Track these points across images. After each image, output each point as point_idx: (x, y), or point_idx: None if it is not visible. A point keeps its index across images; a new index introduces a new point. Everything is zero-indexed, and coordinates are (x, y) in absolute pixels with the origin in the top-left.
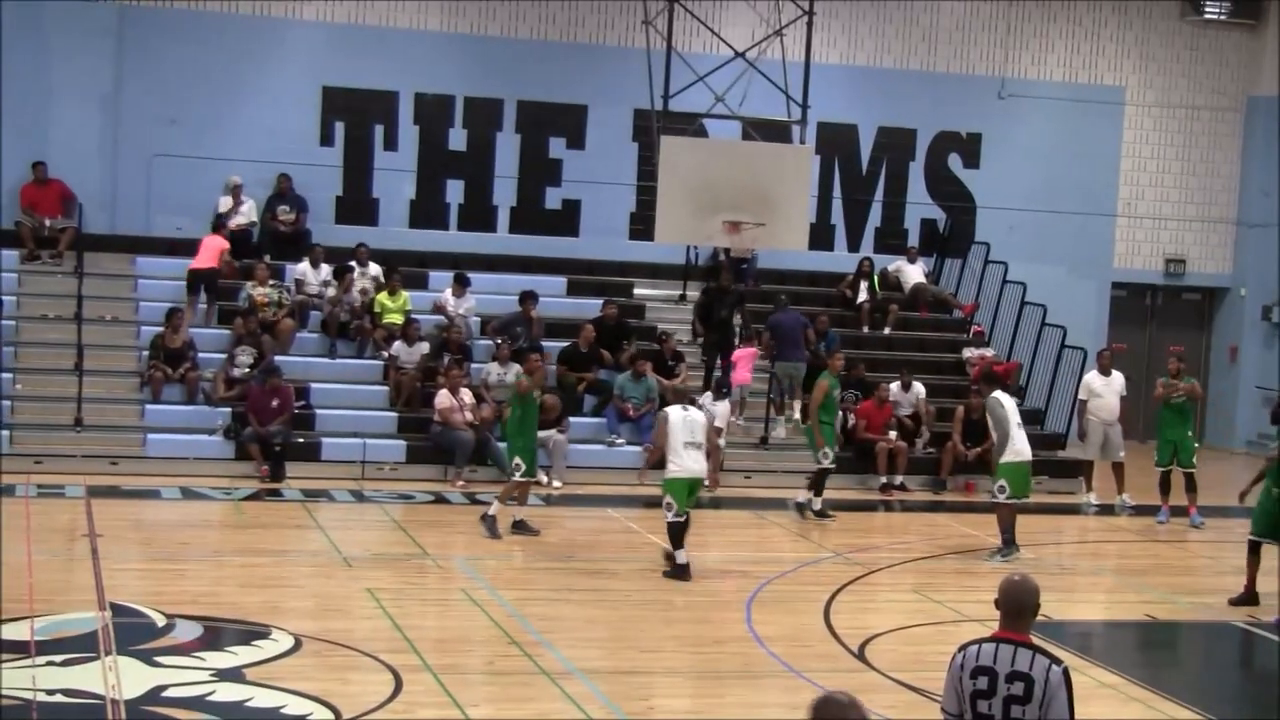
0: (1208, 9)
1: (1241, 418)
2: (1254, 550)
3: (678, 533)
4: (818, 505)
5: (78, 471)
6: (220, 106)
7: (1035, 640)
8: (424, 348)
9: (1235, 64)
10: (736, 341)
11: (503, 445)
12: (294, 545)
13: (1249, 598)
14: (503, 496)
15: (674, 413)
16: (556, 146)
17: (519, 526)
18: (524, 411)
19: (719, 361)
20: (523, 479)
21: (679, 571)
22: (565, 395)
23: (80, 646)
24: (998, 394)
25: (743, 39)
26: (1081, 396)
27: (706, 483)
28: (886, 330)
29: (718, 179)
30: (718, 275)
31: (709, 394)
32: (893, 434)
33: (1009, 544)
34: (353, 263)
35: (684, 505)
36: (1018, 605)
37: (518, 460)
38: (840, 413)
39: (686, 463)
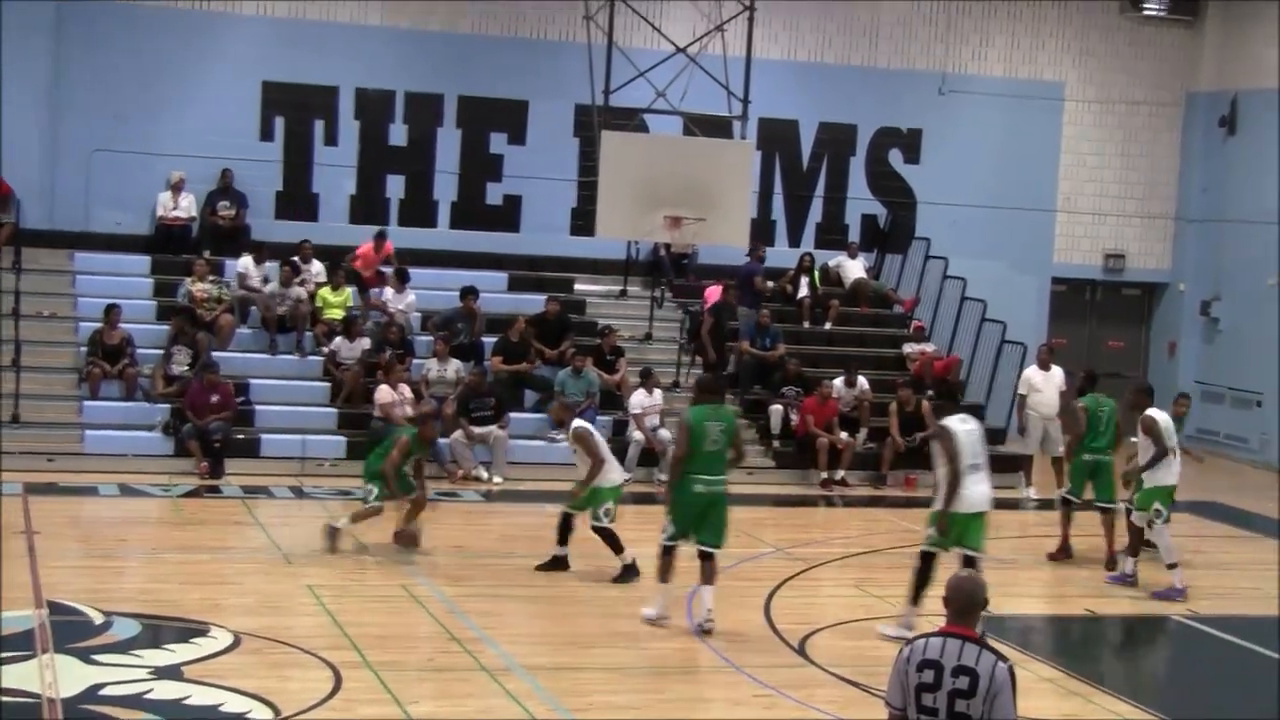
0: (1147, 5)
1: None
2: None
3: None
4: None
5: (15, 469)
6: (160, 102)
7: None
8: (365, 343)
9: (1174, 60)
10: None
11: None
12: (233, 542)
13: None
14: (356, 518)
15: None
16: (497, 142)
17: (400, 537)
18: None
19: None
20: (375, 503)
21: (626, 573)
22: (505, 391)
23: (17, 645)
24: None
25: (684, 34)
26: (1021, 391)
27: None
28: (827, 325)
29: (659, 174)
30: (727, 293)
31: (640, 390)
32: (844, 434)
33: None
34: (295, 258)
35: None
36: (966, 601)
37: (371, 486)
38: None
39: (613, 474)
